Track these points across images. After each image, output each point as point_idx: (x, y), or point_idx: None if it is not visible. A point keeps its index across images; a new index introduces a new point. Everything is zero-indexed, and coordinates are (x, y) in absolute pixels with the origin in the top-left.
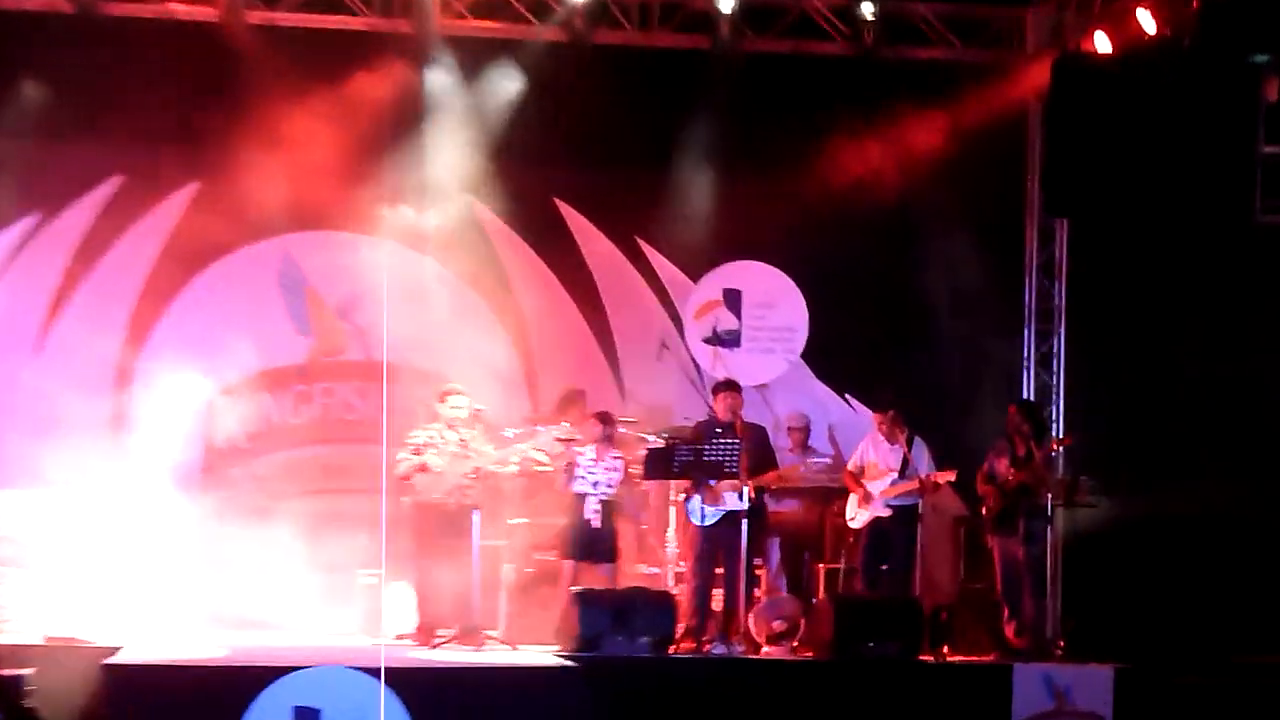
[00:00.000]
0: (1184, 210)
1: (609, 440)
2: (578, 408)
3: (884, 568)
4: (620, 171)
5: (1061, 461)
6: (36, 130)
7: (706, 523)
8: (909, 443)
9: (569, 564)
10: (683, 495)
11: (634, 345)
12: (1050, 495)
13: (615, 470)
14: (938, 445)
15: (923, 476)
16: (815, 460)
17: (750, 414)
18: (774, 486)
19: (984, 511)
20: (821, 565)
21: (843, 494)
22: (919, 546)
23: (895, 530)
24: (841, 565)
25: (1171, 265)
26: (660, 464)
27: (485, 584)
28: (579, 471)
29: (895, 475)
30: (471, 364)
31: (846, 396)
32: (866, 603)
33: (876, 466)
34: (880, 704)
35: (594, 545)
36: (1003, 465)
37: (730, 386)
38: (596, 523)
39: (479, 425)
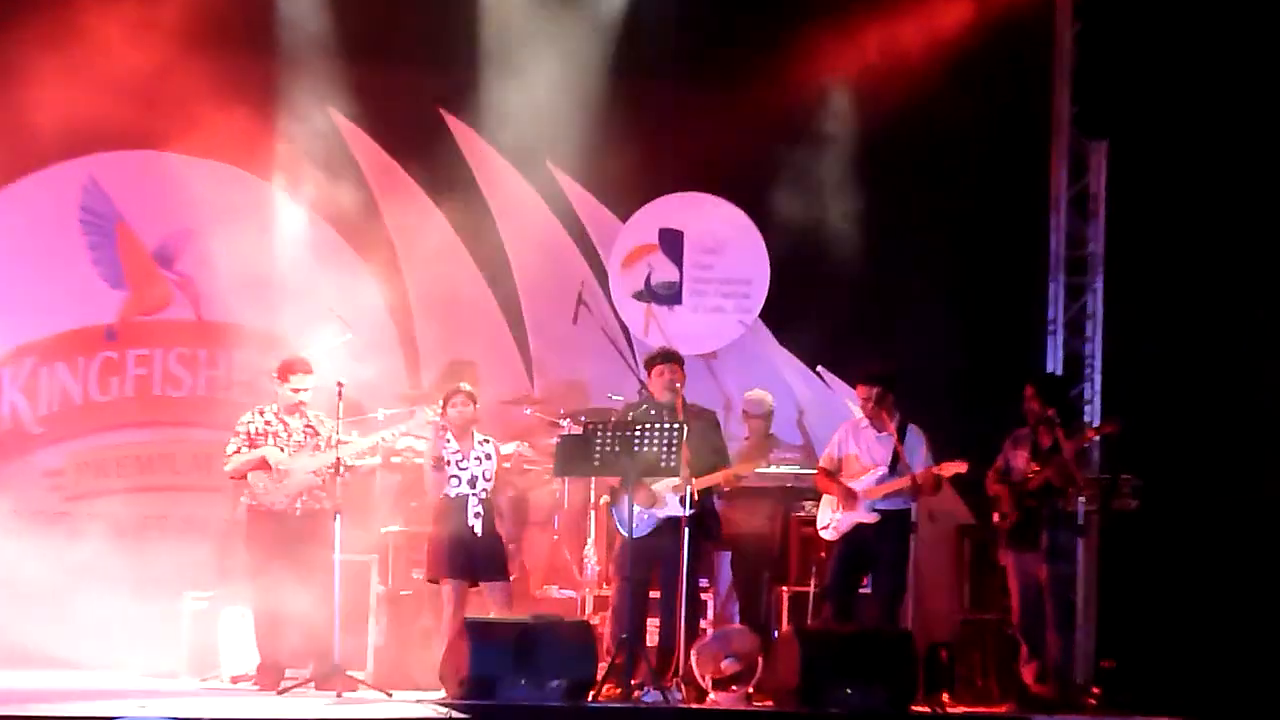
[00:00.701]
0: (1255, 128)
1: (470, 423)
2: (468, 383)
3: (866, 591)
4: (526, 78)
5: (1097, 455)
6: None
7: (638, 533)
8: (900, 431)
9: (450, 586)
10: (606, 498)
11: (543, 303)
12: (1082, 498)
13: (489, 459)
14: (937, 434)
15: (918, 473)
16: (779, 453)
17: (694, 392)
18: (726, 486)
19: (997, 519)
20: (785, 588)
21: (815, 496)
22: (912, 564)
23: (882, 543)
24: (812, 588)
25: (1240, 200)
26: (576, 456)
27: (348, 612)
28: (451, 469)
29: (883, 471)
30: (329, 325)
31: (819, 370)
32: (843, 637)
33: (858, 460)
34: None
35: (480, 560)
36: (1021, 460)
37: (669, 358)
38: (479, 530)
39: (337, 406)
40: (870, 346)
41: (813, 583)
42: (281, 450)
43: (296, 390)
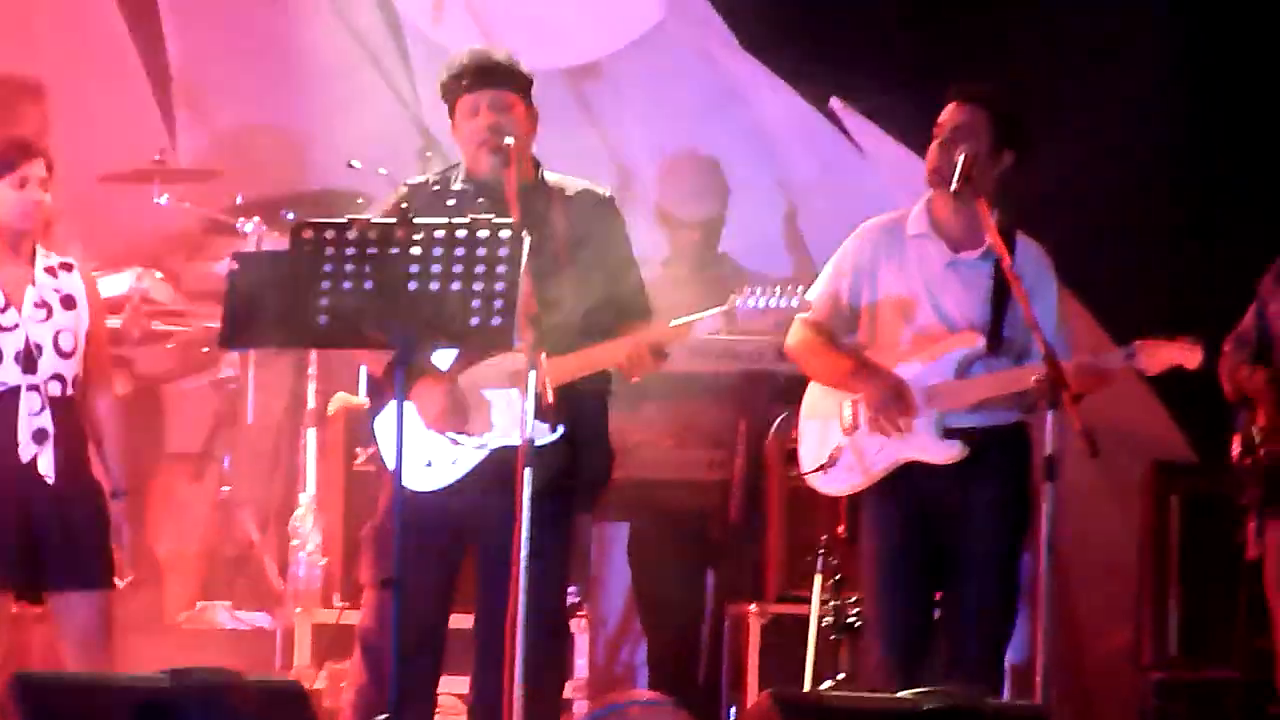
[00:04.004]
0: None
1: (29, 224)
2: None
3: (938, 605)
4: None
5: None
6: None
7: (426, 485)
8: (1008, 243)
9: None
10: (344, 402)
11: None
12: None
13: (68, 308)
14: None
15: (1072, 361)
16: (741, 301)
17: (560, 157)
18: (634, 376)
19: (1239, 454)
20: (754, 606)
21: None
22: (1047, 550)
23: (971, 508)
24: (814, 602)
25: None
26: (275, 304)
27: None
28: None
29: (973, 345)
30: None
31: (833, 106)
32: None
33: (908, 310)
34: None
35: (48, 544)
36: None
37: (489, 75)
38: (47, 471)
39: None
40: (949, 67)
41: (817, 583)
42: None
43: None
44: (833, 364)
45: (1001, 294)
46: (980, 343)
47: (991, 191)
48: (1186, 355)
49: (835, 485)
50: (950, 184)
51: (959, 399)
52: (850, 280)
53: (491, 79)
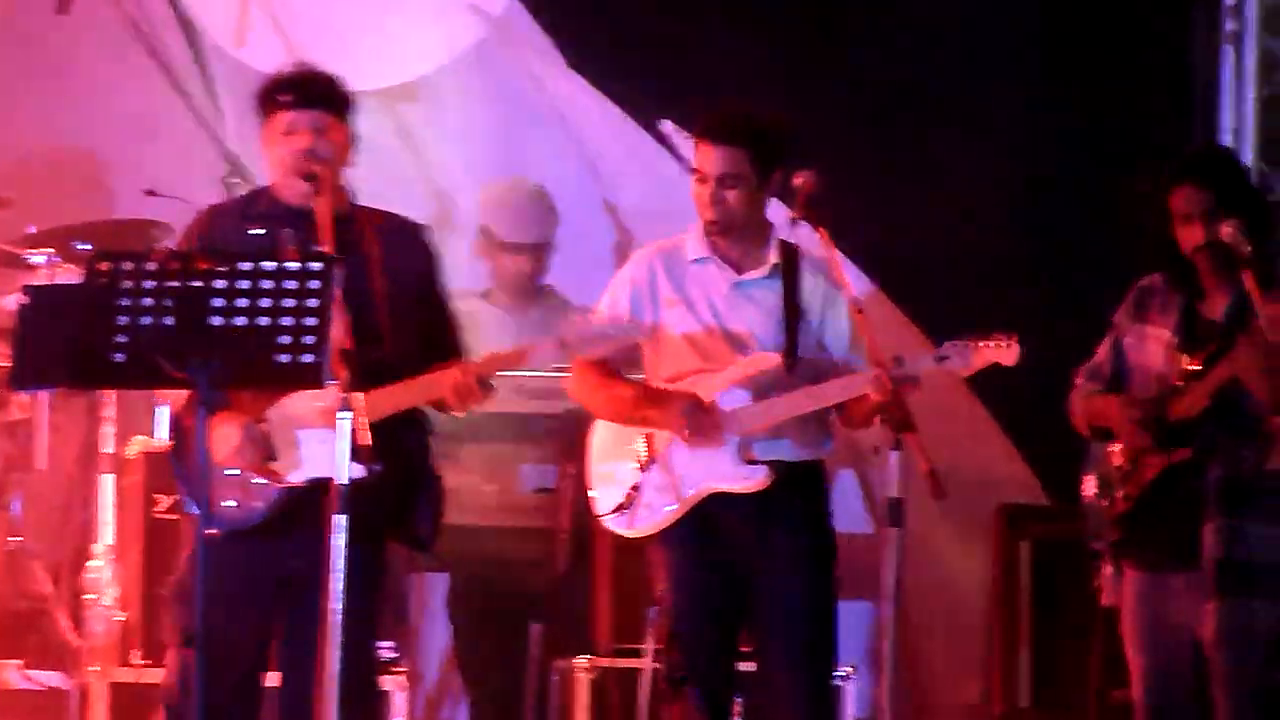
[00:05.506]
0: None
1: None
2: None
3: (753, 651)
4: None
5: None
6: None
7: (232, 524)
8: (792, 262)
9: None
10: (146, 444)
11: None
12: None
13: None
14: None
15: (878, 369)
16: (570, 331)
17: (374, 182)
18: (461, 405)
19: (1092, 493)
20: (583, 660)
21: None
22: (892, 593)
23: (774, 541)
24: (650, 654)
25: None
26: (65, 340)
27: None
28: None
29: (767, 361)
30: None
31: (662, 124)
32: None
33: (704, 331)
34: None
35: None
36: (1157, 345)
37: (303, 93)
38: None
39: None
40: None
41: (649, 642)
42: None
43: None
44: (616, 396)
45: (793, 313)
46: (776, 363)
47: (811, 213)
48: (1002, 353)
49: (636, 526)
50: (730, 232)
51: (759, 422)
52: (630, 310)
53: (312, 99)
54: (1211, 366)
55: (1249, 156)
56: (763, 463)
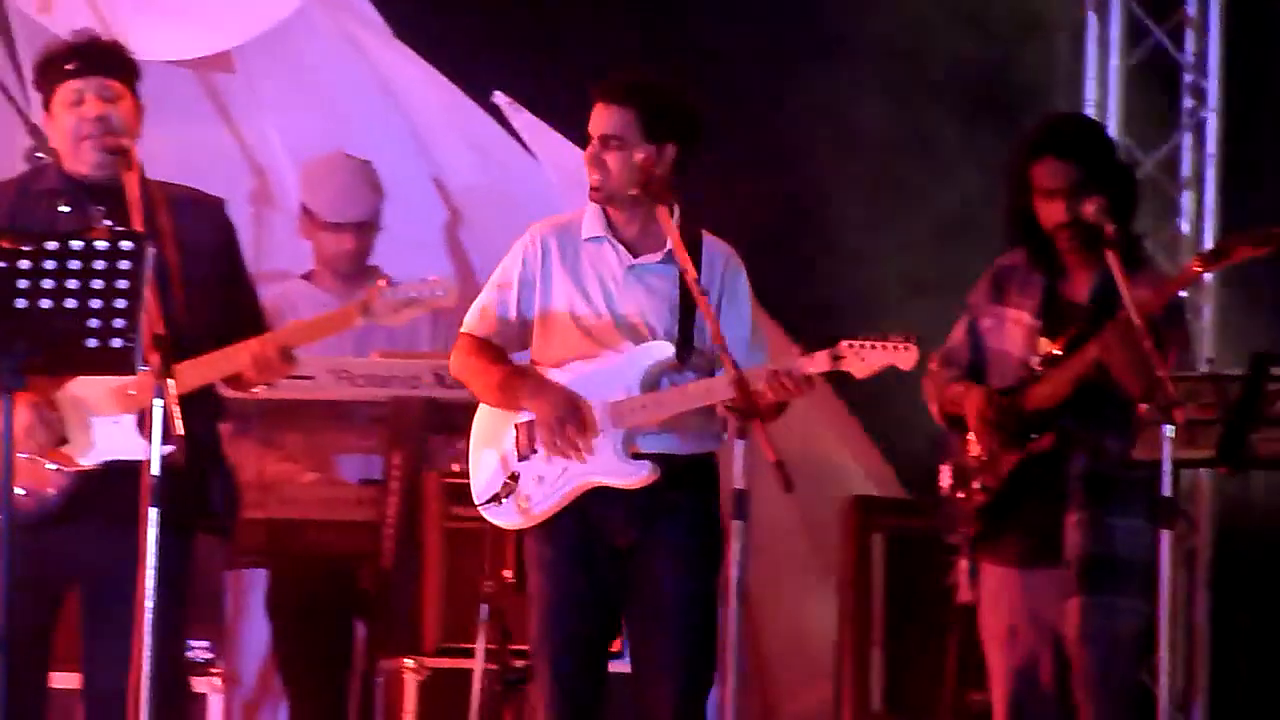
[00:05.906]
0: None
1: None
2: None
3: (626, 656)
4: None
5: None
6: None
7: (30, 512)
8: (692, 246)
9: None
10: None
11: None
12: (1171, 427)
13: None
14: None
15: (754, 367)
16: (385, 294)
17: (176, 157)
18: (262, 378)
19: (948, 484)
20: (410, 660)
21: (466, 423)
22: (737, 590)
23: (657, 538)
24: (480, 655)
25: None
26: None
27: None
28: None
29: (660, 352)
30: None
31: (497, 98)
32: None
33: (585, 318)
34: None
35: None
36: (1017, 329)
37: (91, 59)
38: None
39: None
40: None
41: (480, 641)
42: None
43: None
44: (493, 379)
45: (689, 300)
46: (668, 353)
47: (663, 190)
48: (900, 356)
49: (511, 518)
50: (614, 201)
51: (647, 415)
52: (517, 290)
53: (99, 65)
54: (1074, 351)
55: (1114, 129)
56: (648, 457)
